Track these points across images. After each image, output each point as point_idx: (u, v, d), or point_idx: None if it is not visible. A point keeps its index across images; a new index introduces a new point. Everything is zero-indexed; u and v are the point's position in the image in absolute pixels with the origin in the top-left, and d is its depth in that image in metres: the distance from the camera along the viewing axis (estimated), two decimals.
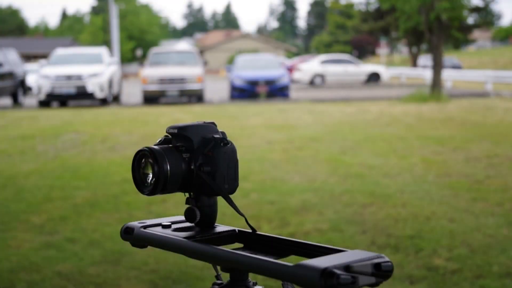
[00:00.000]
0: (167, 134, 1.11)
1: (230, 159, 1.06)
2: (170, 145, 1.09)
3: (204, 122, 1.10)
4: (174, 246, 1.03)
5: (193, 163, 1.06)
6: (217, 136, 1.07)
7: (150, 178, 1.06)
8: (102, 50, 21.23)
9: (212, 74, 46.51)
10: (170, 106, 18.21)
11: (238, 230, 1.09)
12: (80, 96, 18.96)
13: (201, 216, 1.08)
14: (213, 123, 1.10)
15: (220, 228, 1.10)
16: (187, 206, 1.09)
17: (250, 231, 1.07)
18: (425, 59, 42.09)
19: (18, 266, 4.27)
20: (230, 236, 1.08)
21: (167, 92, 19.57)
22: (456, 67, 43.31)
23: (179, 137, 1.08)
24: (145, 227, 1.09)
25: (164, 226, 1.10)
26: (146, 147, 1.06)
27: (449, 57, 45.72)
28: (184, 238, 1.03)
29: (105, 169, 7.88)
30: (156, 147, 1.07)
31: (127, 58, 59.01)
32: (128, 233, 1.10)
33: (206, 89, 22.70)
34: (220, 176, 1.05)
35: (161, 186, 1.04)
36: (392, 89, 26.62)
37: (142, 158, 1.07)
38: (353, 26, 60.99)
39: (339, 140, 10.06)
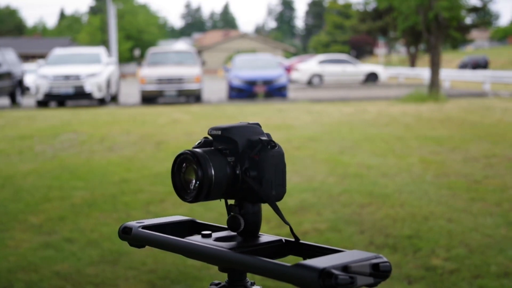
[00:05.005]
0: (207, 136, 1.05)
1: (278, 163, 0.99)
2: (213, 148, 1.02)
3: (248, 123, 1.03)
4: (172, 246, 1.02)
5: (239, 168, 1.00)
6: (264, 138, 1.01)
7: (193, 184, 0.99)
8: (100, 50, 21.23)
9: (210, 74, 46.51)
10: (168, 106, 18.20)
11: (285, 240, 1.02)
12: (78, 96, 18.95)
13: (245, 225, 1.02)
14: (257, 124, 1.04)
15: (265, 237, 1.03)
16: (231, 214, 1.02)
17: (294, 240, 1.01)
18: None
19: (16, 266, 4.26)
20: (278, 247, 1.02)
21: (165, 92, 19.56)
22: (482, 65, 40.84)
23: (223, 139, 1.01)
24: (144, 227, 1.08)
25: (204, 235, 1.03)
26: (188, 150, 1.00)
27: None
28: (229, 249, 0.96)
29: (103, 169, 7.87)
30: (198, 150, 1.00)
31: (125, 58, 59.03)
32: (126, 233, 1.09)
33: (204, 89, 22.71)
34: (267, 182, 0.98)
35: (205, 192, 0.98)
36: (390, 89, 26.64)
37: (183, 162, 1.01)
38: (351, 26, 61.02)
39: (337, 140, 10.06)
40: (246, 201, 1.01)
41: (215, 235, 1.04)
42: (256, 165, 0.99)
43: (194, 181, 0.99)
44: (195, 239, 1.02)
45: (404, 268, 4.05)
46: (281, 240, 1.02)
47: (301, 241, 1.00)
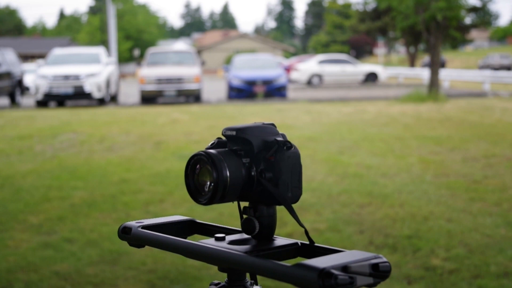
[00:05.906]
0: (220, 136, 1.02)
1: (294, 165, 0.97)
2: (227, 149, 0.99)
3: (263, 123, 1.01)
4: (172, 245, 1.02)
5: (254, 169, 0.97)
6: (279, 138, 0.98)
7: (208, 186, 0.97)
8: (99, 50, 21.23)
9: (209, 74, 46.51)
10: (167, 106, 18.20)
11: (301, 243, 1.00)
12: (78, 96, 18.95)
13: (259, 228, 0.99)
14: (273, 124, 1.01)
15: (280, 241, 1.01)
16: (245, 216, 1.00)
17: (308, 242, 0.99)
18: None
19: (15, 266, 4.26)
20: (293, 250, 1.00)
21: (164, 92, 19.56)
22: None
23: (237, 140, 0.99)
24: (143, 227, 1.08)
25: (218, 239, 1.01)
26: (202, 151, 0.97)
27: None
28: (244, 253, 0.93)
29: (103, 169, 7.87)
30: (213, 151, 0.97)
31: (124, 58, 59.05)
32: (125, 233, 1.08)
33: (204, 89, 22.70)
34: (283, 184, 0.96)
35: (220, 195, 0.96)
36: (390, 89, 26.64)
37: (196, 164, 0.99)
38: (350, 26, 61.03)
39: (336, 140, 10.06)
40: (261, 204, 0.99)
41: (229, 238, 1.02)
42: (272, 166, 0.96)
43: (208, 183, 0.97)
44: (208, 242, 1.00)
45: (404, 268, 4.05)
46: (296, 243, 1.00)
47: (315, 244, 0.98)
